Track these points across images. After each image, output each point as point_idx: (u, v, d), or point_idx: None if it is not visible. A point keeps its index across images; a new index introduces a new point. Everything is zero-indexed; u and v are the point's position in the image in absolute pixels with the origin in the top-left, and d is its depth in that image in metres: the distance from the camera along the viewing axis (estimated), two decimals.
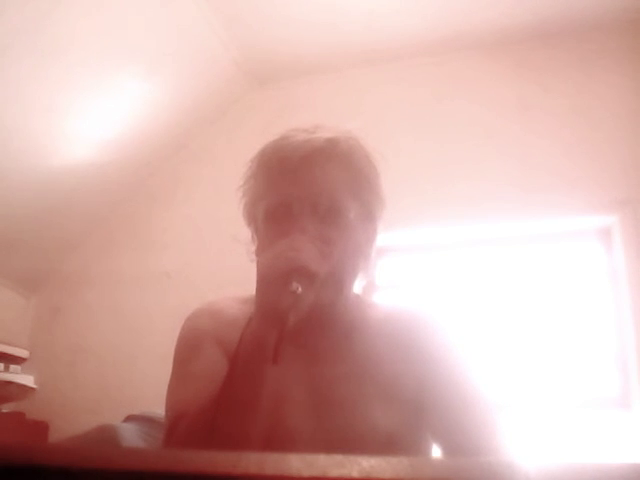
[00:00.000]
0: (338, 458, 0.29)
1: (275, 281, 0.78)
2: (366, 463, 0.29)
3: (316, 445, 0.85)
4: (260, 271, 0.81)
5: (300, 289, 0.77)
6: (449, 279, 2.66)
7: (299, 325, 0.80)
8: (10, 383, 2.53)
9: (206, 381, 0.83)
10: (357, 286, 0.97)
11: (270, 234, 0.90)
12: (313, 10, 2.55)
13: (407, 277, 2.75)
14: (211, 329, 0.93)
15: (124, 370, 2.72)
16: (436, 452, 0.94)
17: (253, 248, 0.96)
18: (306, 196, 0.88)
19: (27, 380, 2.59)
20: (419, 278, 2.73)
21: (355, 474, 0.28)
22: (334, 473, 0.28)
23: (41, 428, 2.66)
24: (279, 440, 0.84)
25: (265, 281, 0.80)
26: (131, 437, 1.17)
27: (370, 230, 0.96)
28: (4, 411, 2.62)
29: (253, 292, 0.83)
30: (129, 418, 1.31)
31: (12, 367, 2.64)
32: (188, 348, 0.93)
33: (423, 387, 0.90)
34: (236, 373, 0.80)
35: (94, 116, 2.59)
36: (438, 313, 0.99)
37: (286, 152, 0.90)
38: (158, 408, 1.26)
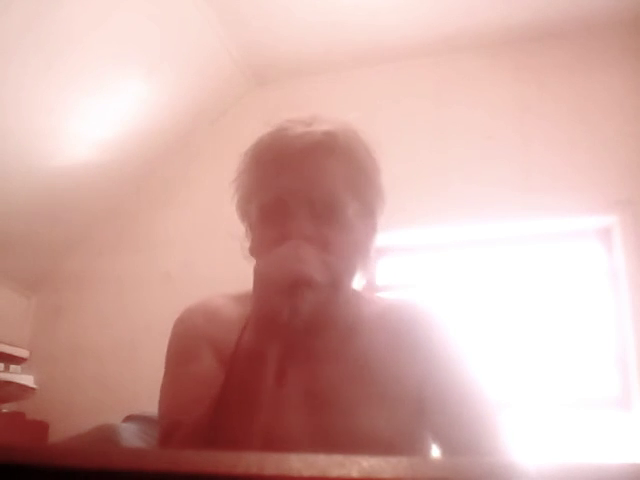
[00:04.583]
0: (338, 458, 0.29)
1: (276, 291, 0.75)
2: (366, 463, 0.29)
3: (314, 447, 0.83)
4: (259, 277, 0.78)
5: (302, 302, 0.75)
6: (449, 279, 2.66)
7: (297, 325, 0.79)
8: (10, 383, 2.52)
9: (201, 388, 0.81)
10: (356, 283, 0.94)
11: (265, 232, 0.87)
12: (313, 10, 2.55)
13: (407, 277, 2.75)
14: (205, 330, 0.90)
15: (124, 370, 2.72)
16: (436, 453, 0.93)
17: (247, 244, 0.92)
18: (303, 192, 0.85)
19: (27, 380, 2.59)
20: (419, 278, 2.73)
21: (355, 474, 0.28)
22: (334, 473, 0.28)
23: (41, 428, 2.66)
24: (276, 442, 0.82)
25: (265, 290, 0.77)
26: (131, 437, 1.17)
27: (369, 226, 0.93)
28: (4, 411, 2.62)
29: (247, 289, 0.81)
30: (129, 418, 1.31)
31: (12, 367, 2.63)
32: (182, 350, 0.91)
33: (424, 385, 0.88)
34: (233, 383, 0.77)
35: (95, 117, 2.59)
36: (438, 309, 0.96)
37: (282, 145, 0.86)
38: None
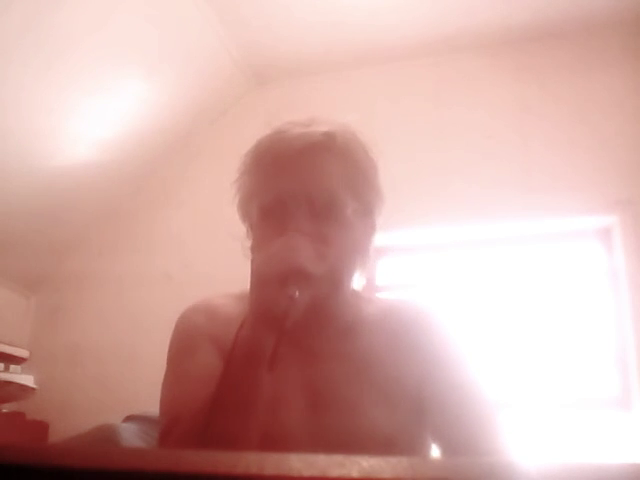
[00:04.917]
0: (338, 458, 0.29)
1: (271, 282, 0.76)
2: (366, 463, 0.29)
3: (314, 446, 0.83)
4: (255, 271, 0.79)
5: (298, 293, 0.75)
6: (449, 279, 2.66)
7: (295, 323, 0.79)
8: (10, 383, 2.52)
9: (201, 383, 0.82)
10: (356, 282, 0.95)
11: (266, 232, 0.88)
12: (313, 10, 2.55)
13: (407, 277, 2.75)
14: (206, 328, 0.91)
15: (124, 370, 2.72)
16: (435, 452, 0.93)
17: (248, 244, 0.94)
18: (302, 192, 0.86)
19: (27, 380, 2.59)
20: (419, 278, 2.73)
21: (355, 474, 0.28)
22: (334, 473, 0.28)
23: (41, 428, 2.66)
24: (275, 442, 0.82)
25: (260, 282, 0.78)
26: (131, 437, 1.17)
27: (368, 226, 0.94)
28: (4, 411, 2.62)
29: (248, 289, 0.81)
30: (129, 418, 1.31)
31: (12, 367, 2.63)
32: (183, 348, 0.91)
33: (423, 386, 0.89)
34: (230, 377, 0.78)
35: (95, 117, 2.59)
36: (437, 309, 0.97)
37: (281, 147, 0.87)
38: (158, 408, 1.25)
